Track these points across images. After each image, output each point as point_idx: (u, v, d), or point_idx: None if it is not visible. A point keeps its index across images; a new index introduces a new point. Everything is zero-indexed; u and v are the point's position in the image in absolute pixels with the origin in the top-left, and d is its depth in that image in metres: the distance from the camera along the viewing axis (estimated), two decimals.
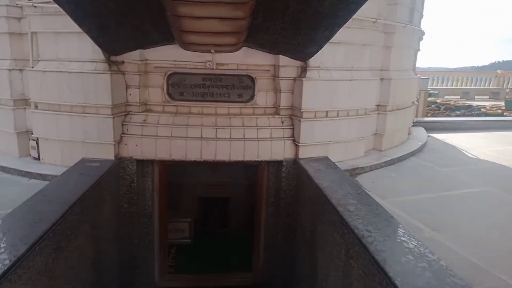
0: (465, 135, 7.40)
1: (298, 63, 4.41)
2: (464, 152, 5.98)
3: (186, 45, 4.02)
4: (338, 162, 4.63)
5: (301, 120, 4.34)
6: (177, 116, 4.38)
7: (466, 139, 6.99)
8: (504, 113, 13.28)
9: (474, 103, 16.68)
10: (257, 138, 4.41)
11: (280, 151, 4.50)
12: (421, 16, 6.36)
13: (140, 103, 4.34)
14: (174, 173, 6.07)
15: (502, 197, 4.02)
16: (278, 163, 4.65)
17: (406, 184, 4.35)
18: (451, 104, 16.01)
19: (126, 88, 4.28)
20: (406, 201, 3.80)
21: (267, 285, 5.22)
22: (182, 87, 4.44)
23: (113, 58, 4.10)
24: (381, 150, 5.44)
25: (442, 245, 2.86)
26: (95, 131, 4.17)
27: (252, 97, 4.54)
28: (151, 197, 4.77)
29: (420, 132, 7.05)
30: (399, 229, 2.61)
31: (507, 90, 22.53)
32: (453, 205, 3.75)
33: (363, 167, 4.71)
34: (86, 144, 4.23)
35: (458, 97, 21.69)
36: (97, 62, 4.05)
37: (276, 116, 4.56)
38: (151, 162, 4.59)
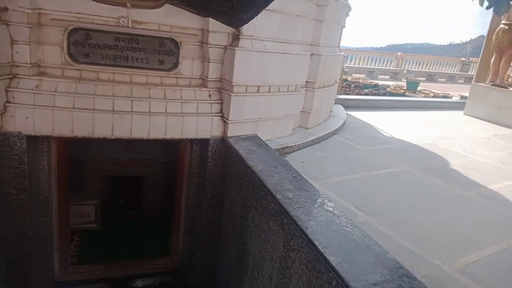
0: (378, 113, 7.88)
1: (229, 29, 3.93)
2: (380, 130, 6.32)
3: None
4: (268, 140, 4.39)
5: (232, 94, 3.93)
6: (81, 83, 3.57)
7: (379, 117, 7.43)
8: (406, 93, 14.76)
9: (380, 82, 18.19)
10: (181, 113, 3.88)
11: (207, 128, 4.06)
12: None
13: (31, 64, 3.40)
14: (76, 148, 5.18)
15: (421, 177, 4.27)
16: (204, 141, 4.22)
17: (333, 164, 4.35)
18: (360, 82, 17.18)
19: (12, 43, 3.30)
20: (336, 183, 3.77)
21: (186, 270, 4.89)
22: (88, 47, 3.61)
23: None
24: (307, 128, 5.37)
25: (378, 231, 2.85)
26: None
27: (175, 65, 3.94)
28: (47, 180, 3.93)
29: (340, 109, 7.25)
30: (341, 218, 2.47)
31: (405, 71, 25.22)
32: (380, 186, 3.84)
33: (291, 146, 4.57)
34: None
35: (364, 75, 23.54)
36: None
37: (204, 88, 4.06)
38: (47, 138, 3.73)
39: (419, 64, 26.92)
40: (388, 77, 25.14)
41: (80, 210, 6.01)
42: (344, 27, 6.53)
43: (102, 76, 3.74)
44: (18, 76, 3.39)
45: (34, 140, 3.63)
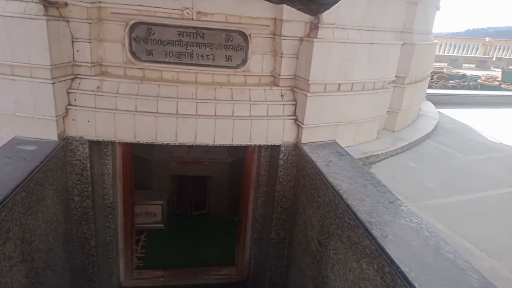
0: (475, 111, 6.64)
1: (307, 17, 3.32)
2: (483, 134, 5.22)
3: None
4: (348, 147, 3.73)
5: (308, 94, 3.34)
6: (144, 84, 3.26)
7: (478, 116, 6.23)
8: (502, 85, 12.68)
9: (467, 73, 16.01)
10: (250, 116, 3.40)
11: (278, 133, 3.53)
12: None
13: (92, 63, 3.17)
14: (142, 146, 5.04)
15: None
16: (274, 147, 3.70)
17: (432, 179, 3.53)
18: (444, 72, 15.26)
19: (72, 41, 3.09)
20: (440, 206, 2.99)
21: (253, 286, 4.47)
22: (151, 43, 3.29)
23: None
24: (393, 131, 4.56)
25: None
26: (29, 101, 3.02)
27: (244, 61, 3.46)
28: (112, 185, 3.75)
29: (429, 107, 6.21)
30: (468, 273, 1.77)
31: (494, 59, 22.05)
32: (499, 212, 2.97)
33: (377, 154, 3.83)
34: (18, 118, 3.09)
35: (445, 64, 21.06)
36: (27, 1, 2.81)
37: (275, 87, 3.53)
38: (110, 142, 3.52)
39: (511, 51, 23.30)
40: (474, 65, 22.20)
41: (147, 210, 5.95)
42: (439, 9, 5.48)
43: (166, 75, 3.40)
44: (79, 76, 3.18)
45: (97, 144, 3.44)
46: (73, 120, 3.18)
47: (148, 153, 6.15)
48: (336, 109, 3.56)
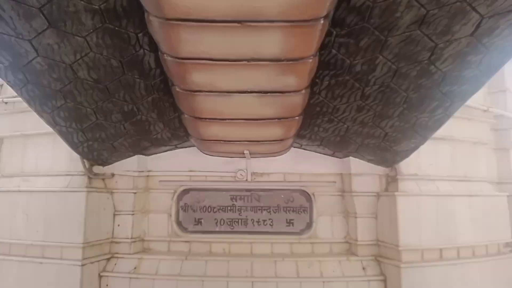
0: None
1: (380, 170, 2.79)
2: None
3: (208, 150, 2.65)
4: None
5: (401, 265, 2.46)
6: (188, 260, 2.66)
7: None
8: None
9: None
10: None
11: None
12: None
13: (132, 238, 2.73)
14: None
15: None
16: None
17: None
18: None
19: (114, 215, 2.75)
20: None
21: None
22: (200, 211, 2.86)
23: (97, 169, 2.71)
24: None
25: None
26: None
27: (309, 225, 2.84)
28: None
29: None
30: None
31: None
32: None
33: None
34: None
35: None
36: (72, 175, 2.66)
37: (352, 257, 2.72)
38: None
39: None
40: None
41: None
42: None
43: (215, 248, 2.81)
44: (116, 255, 2.69)
45: None
46: None
47: None
48: (446, 284, 2.55)
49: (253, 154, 2.73)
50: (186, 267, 2.62)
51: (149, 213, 2.85)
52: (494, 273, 2.80)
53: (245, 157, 2.74)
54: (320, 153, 2.87)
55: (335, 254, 2.79)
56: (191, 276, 2.57)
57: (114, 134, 2.39)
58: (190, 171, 2.87)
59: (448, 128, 2.55)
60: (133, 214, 2.73)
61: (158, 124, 2.39)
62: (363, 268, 2.67)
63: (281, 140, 2.49)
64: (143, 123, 2.35)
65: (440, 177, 2.82)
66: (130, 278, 2.59)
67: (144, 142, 2.58)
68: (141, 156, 2.80)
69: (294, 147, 2.86)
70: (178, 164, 2.84)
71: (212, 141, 2.50)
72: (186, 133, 2.52)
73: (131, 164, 2.76)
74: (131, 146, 2.60)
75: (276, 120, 2.25)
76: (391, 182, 2.75)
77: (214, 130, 2.33)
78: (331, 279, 2.57)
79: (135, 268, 2.63)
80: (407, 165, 2.71)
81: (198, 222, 2.85)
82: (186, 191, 2.86)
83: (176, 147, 2.81)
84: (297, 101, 2.03)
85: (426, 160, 2.78)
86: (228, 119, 2.23)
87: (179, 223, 2.84)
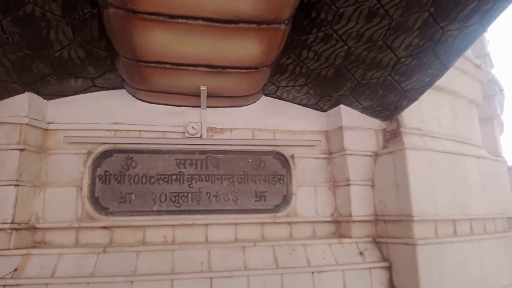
0: None
1: (375, 124, 2.16)
2: None
3: (145, 91, 1.78)
4: None
5: (418, 242, 1.79)
6: (108, 253, 1.71)
7: None
8: None
9: None
10: None
11: None
12: None
13: (14, 224, 1.69)
14: None
15: None
16: None
17: None
18: None
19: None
20: None
21: None
22: (129, 183, 1.92)
23: None
24: None
25: None
26: None
27: (286, 199, 2.06)
28: None
29: None
30: None
31: None
32: None
33: None
34: None
35: None
36: None
37: (346, 240, 1.99)
38: None
39: None
40: None
41: None
42: None
43: (152, 235, 1.88)
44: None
45: None
46: None
47: None
48: (465, 269, 1.95)
49: (211, 98, 1.91)
50: (104, 264, 1.67)
51: (46, 187, 1.83)
52: (507, 252, 2.29)
53: (198, 107, 1.91)
54: (300, 103, 2.15)
55: (320, 237, 2.05)
56: (112, 276, 1.62)
57: None
58: (115, 123, 1.94)
59: (447, 78, 2.03)
60: (16, 186, 1.70)
61: (63, 26, 1.46)
62: (360, 253, 1.96)
63: (255, 68, 1.72)
64: (37, 21, 1.42)
65: (444, 135, 2.27)
66: (4, 286, 1.55)
67: (39, 63, 1.61)
68: (37, 96, 1.81)
69: (267, 94, 2.12)
70: (97, 113, 1.90)
71: (153, 67, 1.63)
72: (112, 53, 1.62)
73: (18, 107, 1.75)
74: (17, 70, 1.62)
75: (255, 25, 1.49)
76: (391, 138, 2.13)
77: (158, 38, 1.49)
78: (321, 269, 1.82)
79: (15, 270, 1.60)
80: (410, 116, 2.12)
81: (125, 198, 1.90)
82: (107, 153, 1.91)
83: (94, 85, 1.87)
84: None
85: (428, 113, 2.21)
86: (181, 16, 1.42)
87: (94, 201, 1.86)
